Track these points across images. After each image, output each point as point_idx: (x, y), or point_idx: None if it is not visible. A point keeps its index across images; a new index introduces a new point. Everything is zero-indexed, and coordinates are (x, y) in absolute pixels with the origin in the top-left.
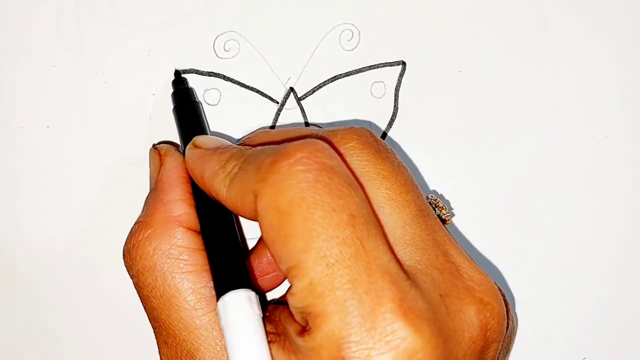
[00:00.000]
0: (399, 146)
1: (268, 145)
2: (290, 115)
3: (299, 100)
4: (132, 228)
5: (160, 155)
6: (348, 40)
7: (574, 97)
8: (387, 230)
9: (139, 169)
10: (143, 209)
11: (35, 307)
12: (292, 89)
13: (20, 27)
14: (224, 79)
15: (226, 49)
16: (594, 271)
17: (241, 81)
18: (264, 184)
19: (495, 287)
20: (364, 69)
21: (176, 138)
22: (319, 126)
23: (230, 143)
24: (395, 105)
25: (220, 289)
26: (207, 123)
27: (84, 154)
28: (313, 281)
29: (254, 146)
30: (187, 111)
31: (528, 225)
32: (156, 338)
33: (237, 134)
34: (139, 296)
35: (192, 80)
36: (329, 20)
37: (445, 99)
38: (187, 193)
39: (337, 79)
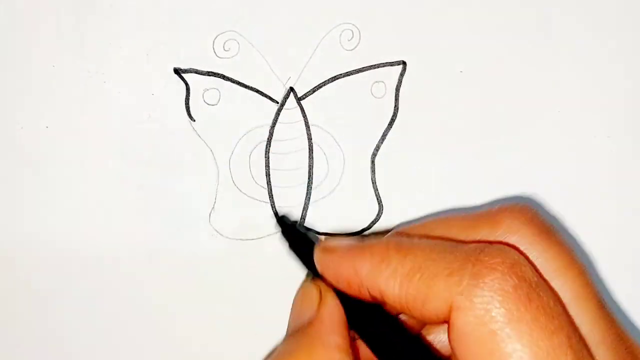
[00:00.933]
0: (399, 146)
1: (448, 248)
2: (290, 115)
3: (299, 100)
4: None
5: (320, 293)
6: (348, 40)
7: (575, 97)
8: None
9: (139, 169)
10: (294, 343)
11: (35, 307)
12: (292, 89)
13: (20, 27)
14: (223, 78)
15: (226, 49)
16: (594, 271)
17: (241, 81)
18: (468, 299)
19: None
20: (364, 69)
21: (175, 138)
22: (319, 127)
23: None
24: (395, 106)
25: None
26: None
27: (84, 154)
28: None
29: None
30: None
31: None
32: None
33: (237, 134)
34: None
35: (192, 80)
36: (329, 20)
37: (445, 99)
38: (347, 342)
39: (337, 79)
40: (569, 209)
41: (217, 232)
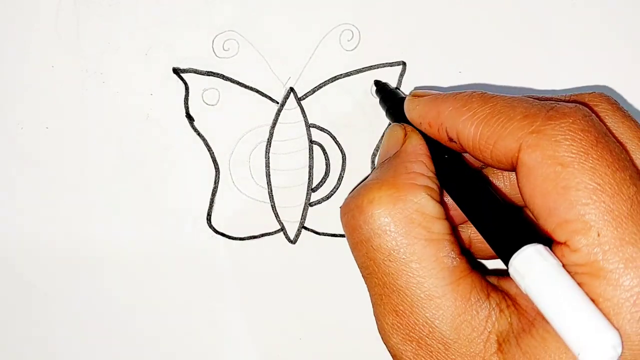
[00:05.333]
0: None
1: (528, 100)
2: (291, 116)
3: (299, 100)
4: (366, 184)
5: (405, 130)
6: (348, 41)
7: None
8: None
9: (138, 169)
10: (379, 171)
11: (35, 307)
12: (292, 89)
13: (19, 27)
14: (223, 78)
15: (225, 49)
16: None
17: (240, 81)
18: (539, 136)
19: None
20: (364, 69)
21: (175, 138)
22: (319, 127)
23: None
24: None
25: (507, 249)
26: None
27: (83, 154)
28: (602, 235)
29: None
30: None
31: None
32: (380, 307)
33: (237, 134)
34: (365, 258)
35: (191, 80)
36: (329, 20)
37: None
38: (431, 171)
39: (337, 79)
40: None
41: (217, 232)
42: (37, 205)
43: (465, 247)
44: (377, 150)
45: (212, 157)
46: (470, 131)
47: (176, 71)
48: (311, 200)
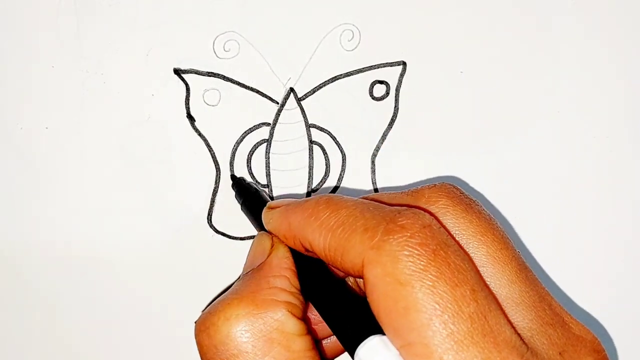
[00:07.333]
0: (399, 146)
1: (371, 207)
2: (291, 116)
3: (299, 100)
4: (224, 299)
5: (272, 241)
6: (348, 41)
7: (574, 97)
8: (493, 292)
9: (139, 169)
10: (240, 285)
11: (35, 307)
12: (292, 89)
13: (20, 27)
14: (223, 79)
15: (226, 49)
16: (595, 272)
17: (241, 81)
18: (379, 253)
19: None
20: (364, 69)
21: (175, 138)
22: (319, 127)
23: None
24: (395, 106)
25: (353, 340)
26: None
27: (83, 154)
28: None
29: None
30: (253, 202)
31: (528, 226)
32: None
33: (237, 135)
34: None
35: (192, 81)
36: (329, 20)
37: (446, 100)
38: (294, 286)
39: (337, 79)
40: (568, 208)
41: (218, 232)
42: (37, 205)
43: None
44: (377, 151)
45: (212, 157)
46: (319, 242)
47: (177, 72)
48: None
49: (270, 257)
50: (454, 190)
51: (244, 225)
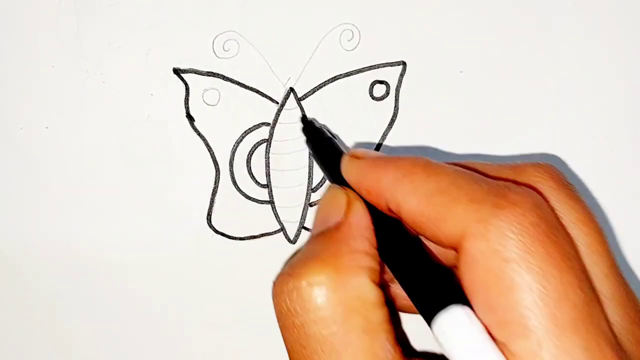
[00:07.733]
0: (399, 147)
1: (475, 178)
2: (291, 116)
3: (299, 100)
4: (305, 260)
5: (348, 197)
6: (348, 41)
7: (574, 97)
8: None
9: (138, 169)
10: (319, 245)
11: (35, 307)
12: (292, 89)
13: (20, 27)
14: (223, 79)
15: (225, 49)
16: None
17: (241, 81)
18: (485, 227)
19: None
20: (364, 69)
21: (175, 138)
22: (318, 123)
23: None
24: (395, 106)
25: (432, 307)
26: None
27: (83, 154)
28: (543, 344)
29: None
30: (326, 149)
31: None
32: None
33: (237, 135)
34: (296, 344)
35: (191, 81)
36: (329, 20)
37: (445, 100)
38: (375, 250)
39: (337, 79)
40: None
41: (218, 232)
42: (37, 205)
43: (400, 333)
44: (377, 151)
45: (212, 157)
46: (411, 205)
47: (176, 71)
48: (311, 201)
49: (349, 217)
50: (559, 173)
51: (243, 225)
